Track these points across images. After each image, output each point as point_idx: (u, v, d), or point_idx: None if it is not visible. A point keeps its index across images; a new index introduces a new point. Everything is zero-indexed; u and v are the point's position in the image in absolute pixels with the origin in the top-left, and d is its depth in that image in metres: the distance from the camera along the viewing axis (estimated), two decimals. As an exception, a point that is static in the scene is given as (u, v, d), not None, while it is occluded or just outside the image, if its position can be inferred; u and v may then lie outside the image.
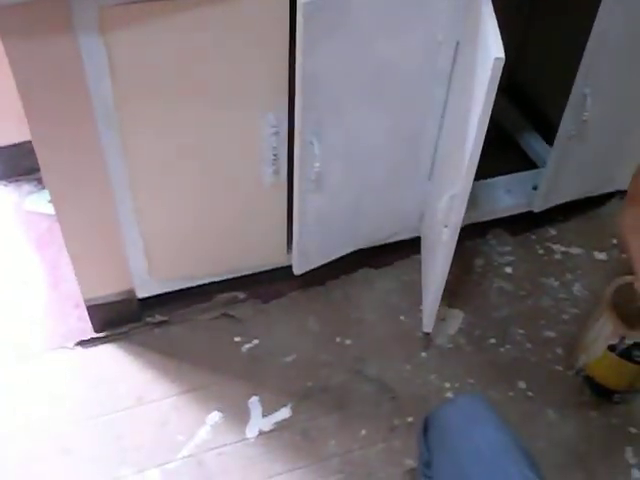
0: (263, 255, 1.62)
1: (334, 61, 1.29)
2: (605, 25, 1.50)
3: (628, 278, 1.56)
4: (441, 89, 1.49)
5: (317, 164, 1.41)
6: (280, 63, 1.29)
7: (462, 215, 1.38)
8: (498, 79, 1.17)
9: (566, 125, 1.69)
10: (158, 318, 1.61)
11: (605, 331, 1.53)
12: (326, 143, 1.40)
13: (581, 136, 1.71)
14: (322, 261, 1.63)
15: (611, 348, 1.52)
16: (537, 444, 1.50)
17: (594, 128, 1.72)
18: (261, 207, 1.52)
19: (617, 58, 1.61)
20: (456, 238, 1.41)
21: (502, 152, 2.07)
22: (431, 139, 1.58)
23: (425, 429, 1.11)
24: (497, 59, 1.13)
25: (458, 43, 1.42)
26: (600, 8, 1.47)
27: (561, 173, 1.79)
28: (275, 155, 1.42)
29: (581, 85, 1.61)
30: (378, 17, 1.28)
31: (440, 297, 1.53)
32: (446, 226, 1.41)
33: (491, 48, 1.15)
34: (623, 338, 1.49)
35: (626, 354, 1.51)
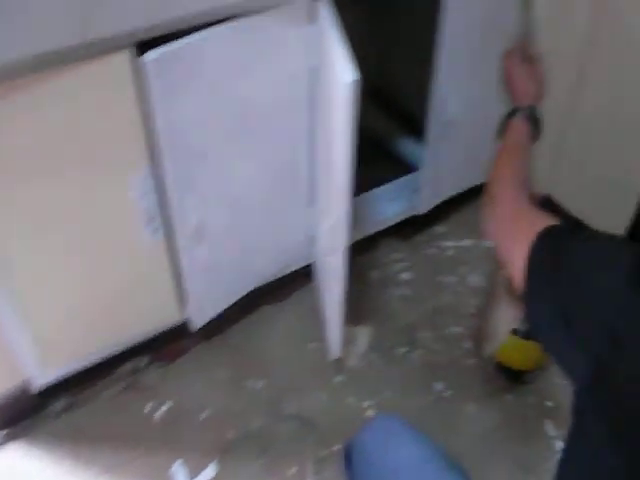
0: (158, 316, 1.58)
1: (192, 110, 1.28)
2: (452, 25, 1.54)
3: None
4: (306, 117, 1.50)
5: (194, 217, 1.40)
6: (133, 127, 1.26)
7: (345, 241, 1.38)
8: (354, 103, 1.17)
9: (432, 127, 1.73)
10: (62, 405, 1.54)
11: (506, 317, 1.57)
12: (200, 194, 1.39)
13: (450, 135, 1.76)
14: (219, 310, 1.61)
15: (514, 332, 1.56)
16: (462, 441, 1.52)
17: (461, 124, 1.77)
18: (146, 269, 1.48)
19: (470, 55, 1.67)
20: (345, 263, 1.41)
21: (380, 160, 2.11)
22: (304, 167, 1.59)
23: (347, 459, 1.11)
24: (349, 84, 1.13)
25: (315, 69, 1.43)
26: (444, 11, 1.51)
27: (438, 172, 1.83)
28: (151, 215, 1.39)
29: (439, 87, 1.66)
30: (231, 59, 1.28)
31: (342, 321, 1.53)
32: (333, 251, 1.42)
33: (343, 73, 1.16)
34: (524, 320, 1.53)
35: (530, 335, 1.55)
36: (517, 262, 0.80)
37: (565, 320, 0.70)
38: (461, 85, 1.70)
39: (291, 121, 1.49)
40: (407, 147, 2.10)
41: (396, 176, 2.00)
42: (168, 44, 1.18)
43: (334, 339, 1.58)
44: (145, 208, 1.37)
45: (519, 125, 1.15)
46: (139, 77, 1.19)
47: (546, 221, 0.81)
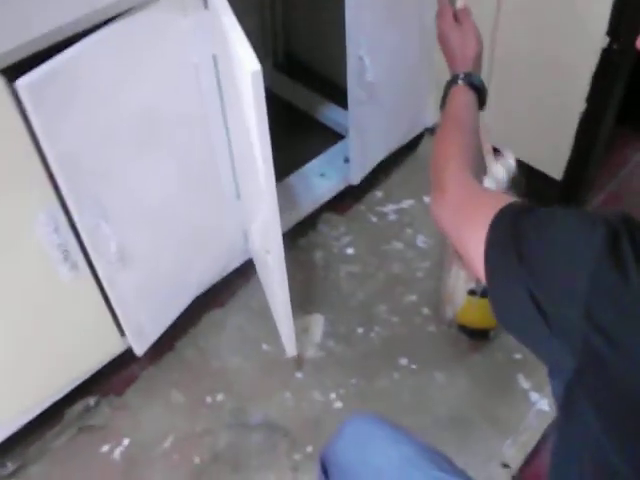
0: (99, 350, 1.47)
1: (84, 131, 1.15)
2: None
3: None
4: (215, 110, 1.39)
5: (112, 244, 1.28)
6: (29, 159, 1.12)
7: (279, 240, 1.29)
8: (262, 92, 1.07)
9: (353, 91, 1.63)
10: (11, 466, 1.42)
11: (461, 278, 1.51)
12: (114, 218, 1.27)
13: (372, 97, 1.66)
14: (161, 329, 1.51)
15: (471, 292, 1.50)
16: (438, 412, 1.48)
17: (383, 84, 1.68)
18: (74, 306, 1.36)
19: (383, 8, 1.56)
20: (282, 263, 1.32)
21: (311, 133, 2.01)
22: (225, 162, 1.48)
23: (324, 471, 1.03)
24: (253, 73, 1.03)
25: (215, 57, 1.31)
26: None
27: (366, 138, 1.74)
28: (65, 251, 1.26)
29: (354, 49, 1.55)
30: (115, 67, 1.15)
31: (290, 319, 1.44)
32: (268, 252, 1.33)
33: (244, 63, 1.04)
34: (480, 279, 1.47)
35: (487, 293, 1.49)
36: (476, 249, 0.71)
37: (536, 305, 0.62)
38: (376, 44, 1.59)
39: (202, 118, 1.37)
40: (334, 115, 2.00)
41: (329, 146, 1.90)
42: (43, 64, 1.04)
43: (287, 337, 1.50)
44: (58, 244, 1.24)
45: (462, 93, 1.04)
46: (19, 105, 1.05)
47: (504, 200, 0.72)
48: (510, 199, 0.72)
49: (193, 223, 1.48)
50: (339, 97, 1.91)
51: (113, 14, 1.11)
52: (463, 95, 1.04)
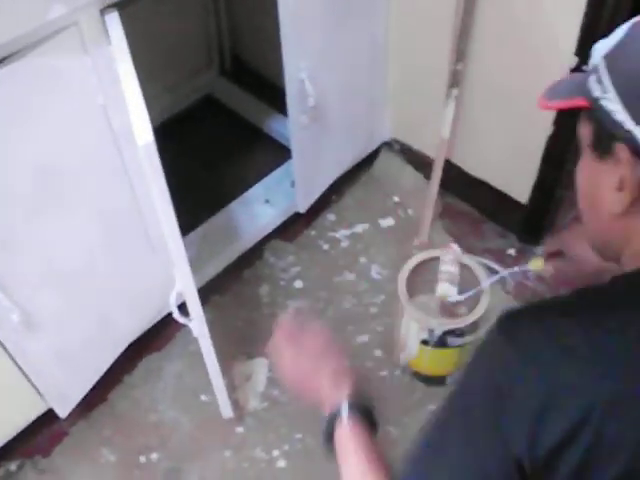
0: (16, 414, 1.35)
1: None
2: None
3: (412, 262, 1.42)
4: (131, 151, 1.23)
5: (14, 315, 1.15)
6: None
7: (199, 308, 1.17)
8: (158, 165, 0.94)
9: (294, 116, 1.48)
10: None
11: (412, 329, 1.40)
12: (15, 286, 1.13)
13: (317, 120, 1.51)
14: (87, 388, 1.39)
15: (424, 342, 1.39)
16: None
17: (330, 104, 1.53)
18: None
19: (322, 29, 1.42)
20: (205, 330, 1.21)
21: (255, 147, 1.87)
22: (138, 207, 1.34)
23: None
24: (145, 146, 0.92)
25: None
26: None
27: (312, 162, 1.60)
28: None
29: (294, 71, 1.41)
30: (4, 117, 1.01)
31: (222, 383, 1.33)
32: (190, 320, 1.20)
33: (136, 134, 0.92)
34: (432, 330, 1.36)
35: (441, 343, 1.38)
36: None
37: None
38: (319, 63, 1.44)
39: (113, 166, 1.23)
40: (282, 129, 1.83)
41: (275, 164, 1.76)
42: None
43: (222, 401, 1.38)
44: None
45: (352, 428, 0.79)
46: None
47: None
48: None
49: (114, 278, 1.34)
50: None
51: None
52: (356, 430, 0.79)
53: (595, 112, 0.64)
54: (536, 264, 1.13)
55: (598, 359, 0.58)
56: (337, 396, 0.82)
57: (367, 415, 0.81)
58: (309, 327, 0.90)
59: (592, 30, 1.33)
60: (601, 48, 0.66)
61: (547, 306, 0.68)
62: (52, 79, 1.05)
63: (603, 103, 0.63)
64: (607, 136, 0.63)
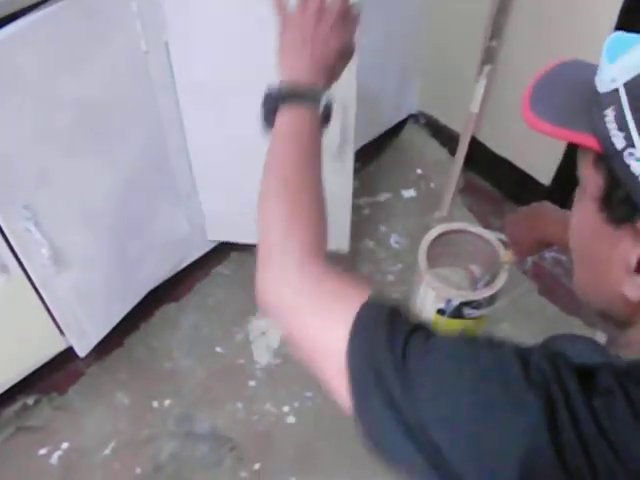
0: (37, 350, 1.38)
1: (16, 129, 1.04)
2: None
3: (434, 232, 1.43)
4: (168, 100, 1.26)
5: (44, 250, 1.17)
6: None
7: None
8: None
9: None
10: (-59, 467, 1.37)
11: (429, 297, 1.41)
12: (47, 221, 1.15)
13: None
14: (106, 330, 1.41)
15: (440, 312, 1.41)
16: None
17: (360, 70, 1.53)
18: (7, 306, 1.26)
19: None
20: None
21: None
22: (181, 156, 1.36)
23: None
24: None
25: (167, 43, 1.19)
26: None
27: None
28: (-8, 253, 1.17)
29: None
30: (47, 56, 1.02)
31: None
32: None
33: None
34: (449, 300, 1.38)
35: (457, 314, 1.40)
36: (331, 349, 0.56)
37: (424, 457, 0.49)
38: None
39: (153, 110, 1.24)
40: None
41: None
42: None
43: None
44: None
45: (304, 114, 0.70)
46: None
47: (362, 294, 0.58)
48: (366, 292, 0.57)
49: (141, 220, 1.37)
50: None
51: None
52: (306, 117, 0.71)
53: (612, 165, 0.49)
54: (507, 256, 1.29)
55: None
56: (312, 76, 0.72)
57: (327, 111, 0.73)
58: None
59: (633, 12, 1.33)
60: (620, 69, 0.48)
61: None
62: (97, 21, 1.07)
63: (628, 161, 0.47)
64: (628, 204, 0.49)
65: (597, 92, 0.50)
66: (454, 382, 0.51)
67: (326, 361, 0.57)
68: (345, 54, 0.78)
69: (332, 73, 0.76)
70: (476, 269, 1.48)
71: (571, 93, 0.53)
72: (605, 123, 0.48)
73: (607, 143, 0.48)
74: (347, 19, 0.77)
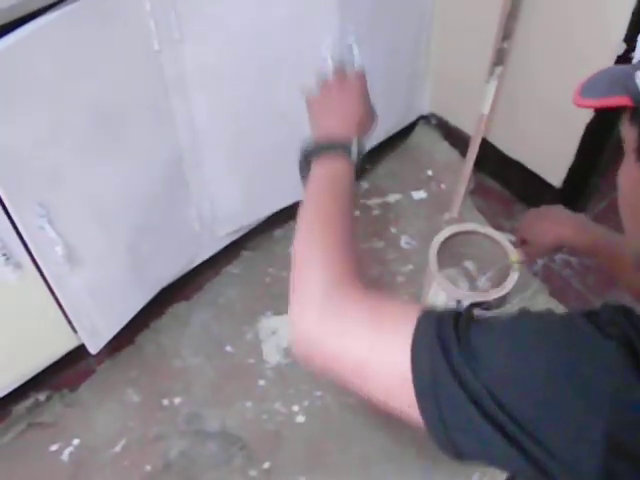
0: (49, 346, 1.39)
1: (30, 128, 1.04)
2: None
3: (444, 233, 1.44)
4: (180, 99, 1.27)
5: (58, 247, 1.18)
6: None
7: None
8: None
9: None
10: (-46, 462, 1.38)
11: (440, 298, 1.42)
12: (61, 219, 1.16)
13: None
14: (118, 327, 1.42)
15: (450, 312, 1.42)
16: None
17: (371, 71, 1.53)
18: (20, 303, 1.27)
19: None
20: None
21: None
22: (187, 155, 1.36)
23: None
24: None
25: (181, 42, 1.19)
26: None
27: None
28: (5, 254, 1.17)
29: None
30: (61, 56, 1.03)
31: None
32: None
33: None
34: (459, 301, 1.39)
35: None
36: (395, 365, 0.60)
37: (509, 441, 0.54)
38: (365, 31, 1.45)
39: (165, 112, 1.25)
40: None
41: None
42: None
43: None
44: (-2, 245, 1.16)
45: (339, 164, 0.81)
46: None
47: (414, 310, 0.63)
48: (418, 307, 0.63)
49: (153, 220, 1.37)
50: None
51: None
52: (340, 166, 0.81)
53: None
54: (514, 257, 1.32)
55: None
56: (343, 132, 0.84)
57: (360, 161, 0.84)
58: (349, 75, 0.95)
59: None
60: None
61: None
62: (111, 21, 1.07)
63: None
64: None
65: (632, 72, 0.58)
66: (532, 356, 0.55)
67: (384, 376, 0.62)
68: (368, 116, 0.91)
69: (360, 132, 0.87)
70: (479, 269, 1.48)
71: (612, 74, 0.63)
72: (636, 78, 0.56)
73: (637, 95, 0.56)
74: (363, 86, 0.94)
